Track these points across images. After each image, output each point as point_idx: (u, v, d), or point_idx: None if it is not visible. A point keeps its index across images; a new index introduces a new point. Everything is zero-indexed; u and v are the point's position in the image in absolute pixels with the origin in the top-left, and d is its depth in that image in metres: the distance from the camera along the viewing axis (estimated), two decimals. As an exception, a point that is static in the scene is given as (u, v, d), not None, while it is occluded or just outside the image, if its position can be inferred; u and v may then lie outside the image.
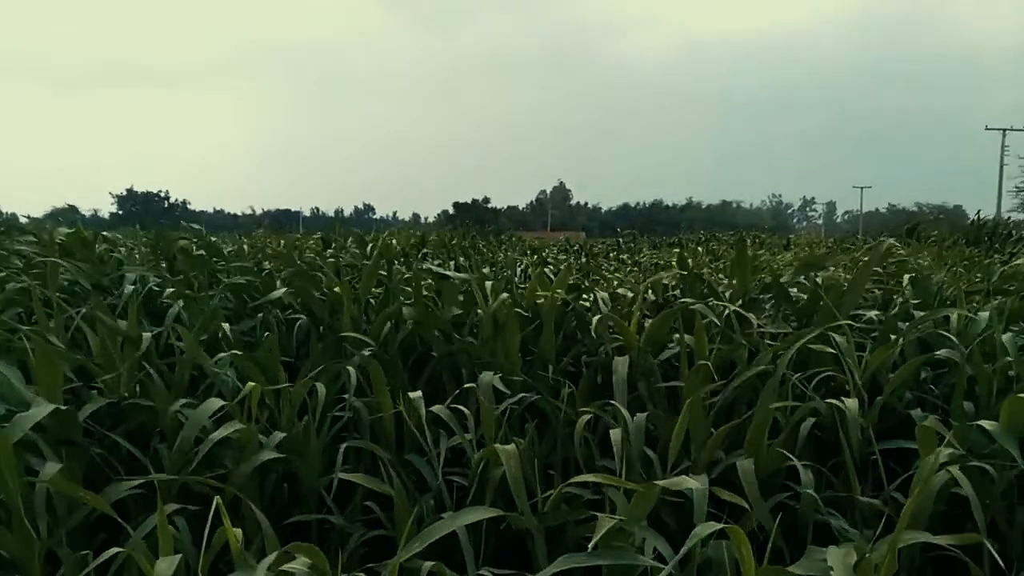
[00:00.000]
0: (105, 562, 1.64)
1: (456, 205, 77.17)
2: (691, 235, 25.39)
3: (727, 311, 3.02)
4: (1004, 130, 47.81)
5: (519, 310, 3.17)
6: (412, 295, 3.26)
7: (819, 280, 3.53)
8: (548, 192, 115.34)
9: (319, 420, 2.36)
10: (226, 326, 2.95)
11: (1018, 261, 5.71)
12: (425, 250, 8.14)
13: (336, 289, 3.42)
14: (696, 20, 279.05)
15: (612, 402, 2.44)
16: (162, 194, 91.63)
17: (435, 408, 2.38)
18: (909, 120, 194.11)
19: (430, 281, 3.87)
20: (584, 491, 2.09)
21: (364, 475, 2.18)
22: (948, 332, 2.77)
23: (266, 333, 2.95)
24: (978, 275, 4.98)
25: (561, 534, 2.05)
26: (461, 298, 3.53)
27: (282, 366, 2.68)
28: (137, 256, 4.94)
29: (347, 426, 2.57)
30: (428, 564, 1.63)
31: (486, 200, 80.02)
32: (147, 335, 2.60)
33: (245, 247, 6.86)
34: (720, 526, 1.54)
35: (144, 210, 79.81)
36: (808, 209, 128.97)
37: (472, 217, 51.96)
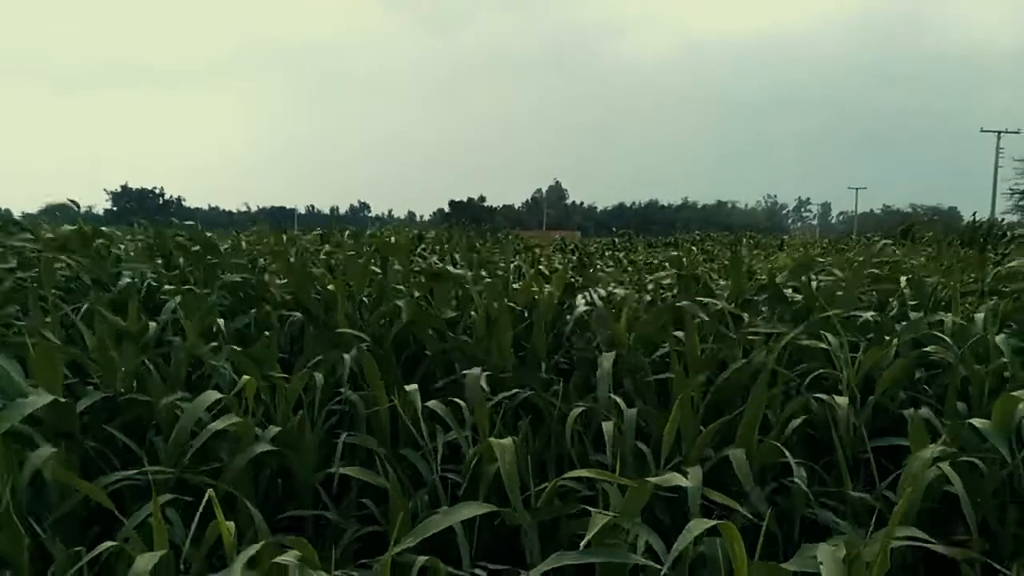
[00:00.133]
0: (99, 555, 1.63)
1: (452, 203, 77.03)
2: (687, 235, 25.46)
3: (720, 310, 3.04)
4: (999, 132, 48.07)
5: (512, 304, 3.19)
6: (406, 293, 3.27)
7: (814, 282, 3.55)
8: (544, 191, 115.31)
9: (314, 414, 2.36)
10: (221, 322, 2.95)
11: (1012, 263, 5.73)
12: (423, 246, 8.13)
13: (330, 287, 3.42)
14: (695, 20, 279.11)
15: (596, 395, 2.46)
16: (157, 191, 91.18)
17: (431, 403, 2.39)
18: (906, 121, 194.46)
19: (422, 280, 3.88)
20: (580, 486, 2.09)
21: (359, 468, 2.19)
22: (943, 333, 2.79)
23: (264, 332, 2.95)
24: (971, 275, 5.00)
25: (555, 530, 2.05)
26: (455, 299, 3.54)
27: (278, 363, 2.68)
28: (133, 252, 4.93)
29: (341, 422, 2.57)
30: (422, 559, 1.63)
31: (482, 199, 79.84)
32: (153, 324, 2.61)
33: (243, 243, 6.85)
34: (713, 523, 1.55)
35: (139, 207, 79.38)
36: (803, 210, 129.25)
37: (468, 216, 51.86)
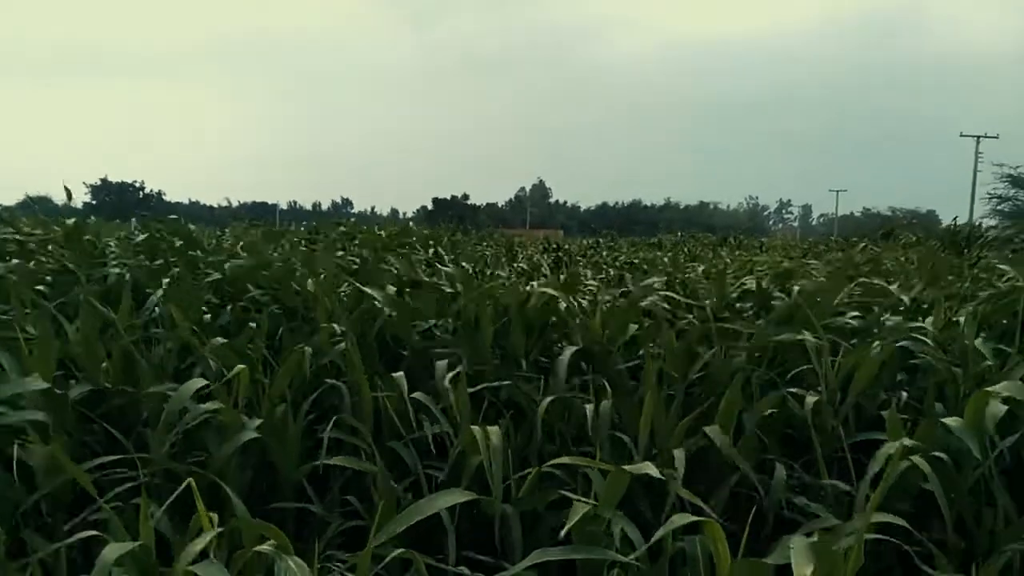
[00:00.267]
0: (81, 546, 1.63)
1: (435, 201, 77.02)
2: (670, 235, 25.60)
3: (697, 308, 3.09)
4: (978, 137, 48.61)
5: (491, 302, 3.21)
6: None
7: (796, 286, 3.61)
8: (528, 190, 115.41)
9: (296, 406, 2.37)
10: (207, 317, 2.95)
11: (994, 261, 5.82)
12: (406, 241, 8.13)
13: (310, 287, 3.43)
14: (676, 21, 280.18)
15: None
16: (137, 184, 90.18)
17: (416, 395, 2.40)
18: (888, 125, 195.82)
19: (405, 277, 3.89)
20: (562, 474, 2.11)
21: (345, 456, 2.20)
22: (924, 337, 2.84)
23: (251, 324, 2.95)
24: (950, 276, 5.06)
25: (536, 520, 2.07)
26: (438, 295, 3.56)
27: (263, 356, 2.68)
28: (114, 244, 4.91)
29: (325, 416, 2.58)
30: (399, 551, 1.64)
31: (465, 197, 79.81)
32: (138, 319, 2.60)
33: (226, 242, 6.82)
34: (695, 519, 1.57)
35: (119, 200, 78.61)
36: (784, 211, 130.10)
37: (451, 213, 51.84)
